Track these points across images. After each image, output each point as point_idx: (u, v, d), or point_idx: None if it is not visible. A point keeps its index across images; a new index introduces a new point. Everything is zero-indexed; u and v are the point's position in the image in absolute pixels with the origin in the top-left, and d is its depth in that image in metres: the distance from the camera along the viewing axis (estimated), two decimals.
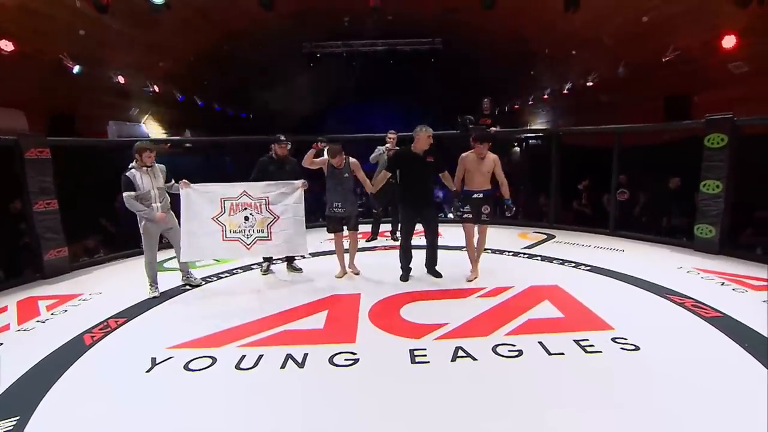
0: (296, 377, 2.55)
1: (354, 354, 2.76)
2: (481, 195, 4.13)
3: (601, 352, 2.71)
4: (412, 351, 2.76)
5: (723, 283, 3.93)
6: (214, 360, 2.75)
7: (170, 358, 2.80)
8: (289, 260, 4.73)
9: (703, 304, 3.40)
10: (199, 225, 4.02)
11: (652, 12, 6.35)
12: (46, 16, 5.90)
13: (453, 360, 2.65)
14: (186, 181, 4.04)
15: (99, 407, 2.31)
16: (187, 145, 10.73)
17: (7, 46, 5.71)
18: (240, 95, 12.71)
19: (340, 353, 2.77)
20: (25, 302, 3.99)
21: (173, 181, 4.05)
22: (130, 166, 3.83)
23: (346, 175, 4.23)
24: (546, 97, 10.70)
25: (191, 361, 2.75)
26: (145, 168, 3.83)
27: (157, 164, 3.94)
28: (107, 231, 6.15)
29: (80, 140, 6.16)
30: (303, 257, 4.84)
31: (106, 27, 6.64)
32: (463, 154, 4.15)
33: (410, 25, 9.87)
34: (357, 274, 4.44)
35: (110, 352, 2.94)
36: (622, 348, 2.74)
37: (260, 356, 2.77)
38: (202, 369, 2.66)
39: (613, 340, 2.84)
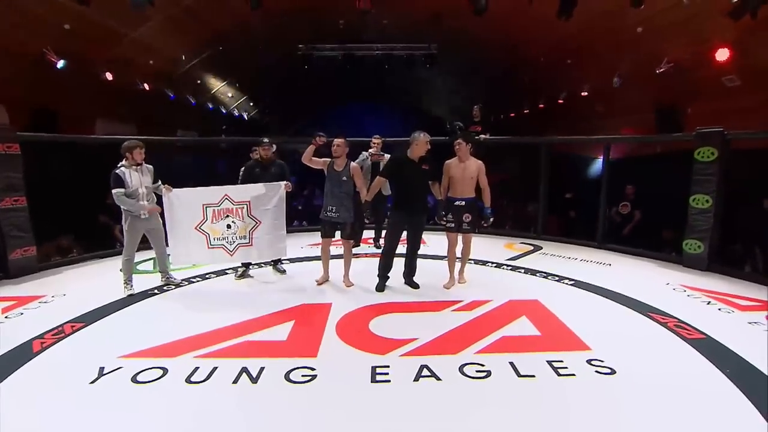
0: (247, 394, 2.39)
1: (313, 369, 2.60)
2: (462, 203, 4.03)
3: (574, 375, 2.55)
4: (374, 368, 2.60)
5: (709, 302, 3.78)
6: (165, 371, 2.60)
7: (119, 368, 2.63)
8: (275, 261, 4.67)
9: (687, 324, 3.25)
10: (184, 232, 4.07)
11: (646, 23, 6.26)
12: (30, 10, 5.78)
13: (416, 379, 2.49)
14: (168, 186, 4.02)
15: (32, 422, 2.15)
16: (179, 145, 10.64)
17: None
18: (235, 96, 12.62)
19: (298, 368, 2.61)
20: None
21: (160, 182, 4.07)
22: (119, 165, 3.86)
23: (345, 178, 4.00)
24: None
25: (141, 372, 2.58)
26: (134, 166, 3.86)
27: (145, 164, 3.97)
28: (82, 229, 5.98)
29: (52, 136, 5.87)
30: (287, 260, 4.75)
31: (92, 22, 6.52)
32: (447, 161, 4.08)
33: (405, 29, 9.79)
34: (349, 286, 4.13)
35: (57, 361, 2.77)
36: (596, 371, 2.59)
37: (214, 368, 2.61)
38: (150, 381, 2.50)
39: (589, 362, 2.69)
